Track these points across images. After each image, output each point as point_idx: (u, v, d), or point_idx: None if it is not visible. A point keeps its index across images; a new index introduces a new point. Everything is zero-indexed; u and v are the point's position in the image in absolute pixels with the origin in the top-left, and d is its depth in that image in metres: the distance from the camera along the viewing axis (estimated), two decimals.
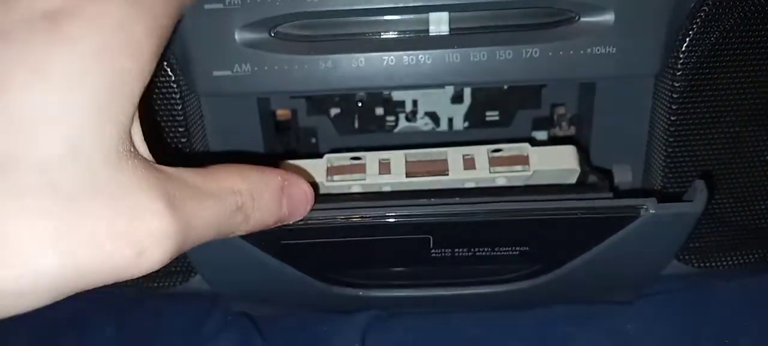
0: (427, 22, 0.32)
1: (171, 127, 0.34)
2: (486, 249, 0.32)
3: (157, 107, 0.34)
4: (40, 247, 0.18)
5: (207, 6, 0.31)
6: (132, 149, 0.20)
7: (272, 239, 0.29)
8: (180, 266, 0.38)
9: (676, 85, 0.33)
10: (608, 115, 0.34)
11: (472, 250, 0.32)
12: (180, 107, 0.34)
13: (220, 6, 0.32)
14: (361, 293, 0.36)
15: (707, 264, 0.38)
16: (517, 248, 0.32)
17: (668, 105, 0.34)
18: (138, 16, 0.20)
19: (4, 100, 0.18)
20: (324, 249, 0.31)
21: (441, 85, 0.33)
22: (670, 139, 0.34)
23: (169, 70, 0.33)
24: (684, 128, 0.34)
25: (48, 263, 0.18)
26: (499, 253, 0.32)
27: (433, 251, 0.32)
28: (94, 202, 0.18)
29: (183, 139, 0.34)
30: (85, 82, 0.18)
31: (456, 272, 0.34)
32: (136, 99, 0.20)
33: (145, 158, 0.21)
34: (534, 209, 0.29)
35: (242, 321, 0.39)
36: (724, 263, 0.38)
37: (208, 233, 0.22)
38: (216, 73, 0.32)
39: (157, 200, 0.20)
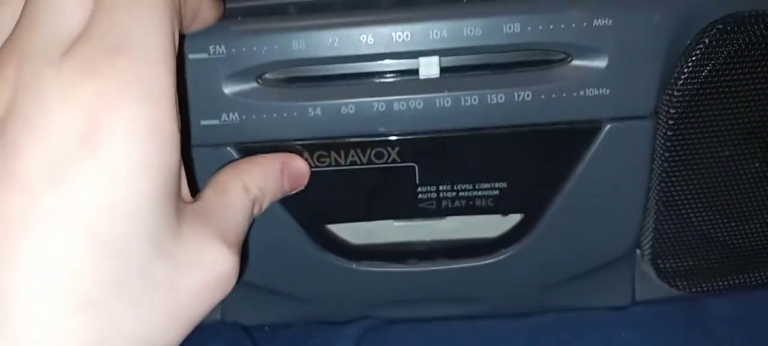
0: (417, 65, 0.32)
1: None
2: (467, 185, 0.34)
3: None
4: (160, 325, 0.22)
5: (192, 56, 0.31)
6: (182, 212, 0.23)
7: None
8: None
9: (671, 122, 0.33)
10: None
11: (456, 187, 0.34)
12: None
13: (205, 56, 0.31)
14: (353, 266, 0.37)
15: (698, 288, 0.38)
16: (496, 184, 0.34)
17: (663, 141, 0.33)
18: (157, 104, 0.21)
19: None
20: (321, 181, 0.33)
21: (433, 132, 0.32)
22: (666, 173, 0.34)
23: None
24: (678, 161, 0.34)
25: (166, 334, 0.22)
26: (480, 192, 0.34)
27: (419, 189, 0.34)
28: (174, 273, 0.22)
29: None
30: (138, 191, 0.20)
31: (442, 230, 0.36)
32: (177, 169, 0.22)
33: (192, 207, 0.24)
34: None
35: (234, 331, 0.40)
36: (717, 285, 0.38)
37: (243, 235, 0.26)
38: (204, 122, 0.32)
39: (215, 243, 0.23)
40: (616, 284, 0.38)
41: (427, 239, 0.36)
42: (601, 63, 0.31)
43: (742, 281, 0.38)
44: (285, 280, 0.37)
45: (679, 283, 0.38)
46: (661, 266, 0.38)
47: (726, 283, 0.38)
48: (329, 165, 0.33)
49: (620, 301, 0.39)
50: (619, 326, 0.38)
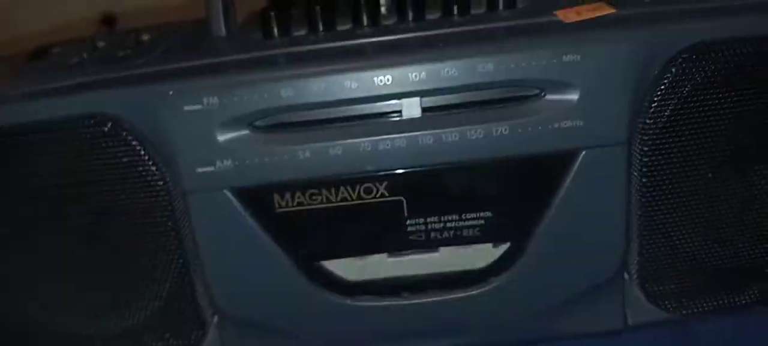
0: (400, 106, 0.34)
1: (160, 226, 0.35)
2: (454, 216, 0.35)
3: (146, 207, 0.35)
4: None
5: (187, 107, 0.33)
6: None
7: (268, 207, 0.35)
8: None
9: (645, 149, 0.34)
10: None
11: (442, 218, 0.35)
12: (167, 204, 0.35)
13: (199, 107, 0.33)
14: (348, 302, 0.37)
15: (688, 310, 0.39)
16: (481, 213, 0.35)
17: (639, 168, 0.35)
18: None
19: None
20: (313, 218, 0.35)
21: (417, 167, 0.34)
22: (645, 198, 0.36)
23: (155, 169, 0.34)
24: (656, 186, 0.35)
25: None
26: (466, 222, 0.35)
27: (408, 221, 0.35)
28: None
29: (173, 235, 0.36)
30: None
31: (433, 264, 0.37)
32: None
33: None
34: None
35: None
36: (706, 307, 0.39)
37: None
38: (199, 169, 0.34)
39: None
40: (607, 309, 0.39)
41: (419, 272, 0.38)
42: (573, 96, 0.33)
43: (729, 302, 0.39)
44: (281, 317, 0.38)
45: (668, 305, 0.39)
46: (649, 289, 0.38)
47: (714, 304, 0.39)
48: (321, 202, 0.35)
49: (612, 325, 0.39)
50: None
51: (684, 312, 0.39)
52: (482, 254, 0.37)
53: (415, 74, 0.33)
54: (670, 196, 0.36)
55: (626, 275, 0.39)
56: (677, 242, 0.37)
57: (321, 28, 0.37)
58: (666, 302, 0.39)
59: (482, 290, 0.37)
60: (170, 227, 0.36)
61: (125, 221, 0.36)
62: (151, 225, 0.36)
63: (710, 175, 0.36)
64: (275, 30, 0.37)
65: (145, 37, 0.39)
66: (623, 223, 0.36)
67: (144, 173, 0.34)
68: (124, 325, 0.39)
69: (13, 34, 0.71)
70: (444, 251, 0.37)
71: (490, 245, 0.37)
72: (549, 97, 0.33)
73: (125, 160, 0.34)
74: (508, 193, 0.35)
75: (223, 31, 0.38)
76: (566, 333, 0.39)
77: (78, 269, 0.38)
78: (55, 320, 0.40)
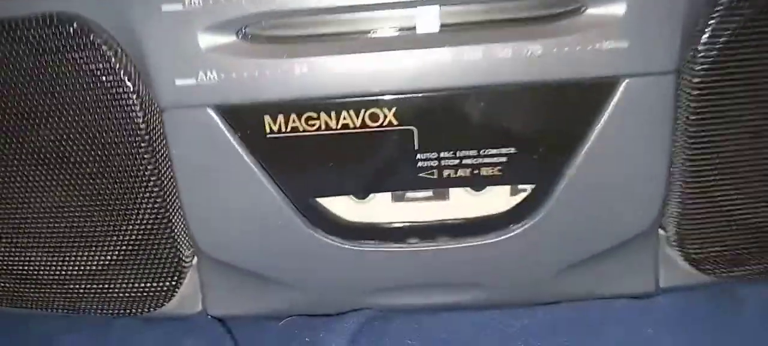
0: (414, 18, 0.29)
1: (133, 147, 0.31)
2: (471, 152, 0.30)
3: (117, 125, 0.30)
4: None
5: (165, 7, 0.28)
6: None
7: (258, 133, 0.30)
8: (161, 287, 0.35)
9: (696, 80, 0.30)
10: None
11: (457, 153, 0.30)
12: (142, 122, 0.30)
13: (180, 7, 0.28)
14: (347, 246, 0.33)
15: (728, 272, 0.35)
16: (503, 150, 0.30)
17: (687, 103, 0.30)
18: None
19: None
20: (310, 148, 0.30)
21: (432, 90, 0.29)
22: (690, 141, 0.31)
23: (127, 80, 0.29)
24: (704, 127, 0.31)
25: None
26: (485, 159, 0.31)
27: (418, 155, 0.30)
28: None
29: (147, 159, 0.31)
30: None
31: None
32: None
33: None
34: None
35: (213, 328, 0.36)
36: (750, 270, 0.35)
37: None
38: (179, 82, 0.29)
39: None
40: (638, 269, 0.35)
41: (429, 215, 0.33)
42: (618, 12, 0.28)
43: None
44: (270, 262, 0.34)
45: (707, 267, 0.35)
46: (688, 248, 0.34)
47: (759, 267, 0.35)
48: (319, 129, 0.30)
49: (643, 288, 0.35)
50: (643, 320, 0.34)
51: (724, 275, 0.35)
52: (497, 204, 0.32)
53: None
54: (717, 139, 0.31)
55: (661, 231, 0.34)
56: (720, 195, 0.33)
57: None
58: (705, 263, 0.34)
59: (500, 238, 0.33)
60: (144, 150, 0.31)
61: (92, 141, 0.31)
62: (122, 147, 0.31)
63: (760, 121, 0.32)
64: None
65: None
66: (665, 169, 0.31)
67: (114, 85, 0.29)
68: (91, 265, 0.35)
69: None
70: (455, 197, 0.33)
71: (507, 193, 0.33)
72: (590, 11, 0.28)
73: (92, 68, 0.29)
74: (536, 126, 0.30)
75: None
76: (590, 294, 0.35)
77: (39, 196, 0.33)
78: (15, 258, 0.35)
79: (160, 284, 0.35)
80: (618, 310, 0.34)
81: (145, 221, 0.33)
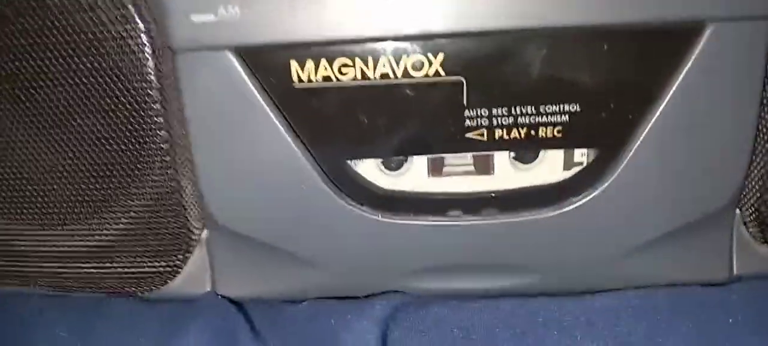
0: None
1: (141, 97, 0.27)
2: (528, 108, 0.26)
3: (123, 70, 0.26)
4: None
5: None
6: None
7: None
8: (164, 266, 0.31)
9: None
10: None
11: (512, 110, 0.26)
12: (152, 66, 0.26)
13: None
14: (380, 217, 0.29)
15: None
16: (566, 106, 0.26)
17: None
18: None
19: None
20: (343, 101, 0.26)
21: (486, 32, 0.25)
22: None
23: (136, 17, 0.26)
24: None
25: None
26: (544, 117, 0.27)
27: (466, 112, 0.26)
28: None
29: (156, 110, 0.27)
30: None
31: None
32: None
33: None
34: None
35: (223, 309, 0.32)
36: None
37: None
38: (195, 18, 0.25)
39: None
40: (709, 253, 0.31)
41: (476, 185, 0.29)
42: None
43: None
44: (293, 235, 0.30)
45: None
46: None
47: None
48: (354, 79, 0.26)
49: (715, 275, 0.31)
50: (714, 312, 0.30)
51: None
52: (560, 164, 0.28)
53: None
54: None
55: (738, 211, 0.30)
56: None
57: None
58: None
59: (556, 213, 0.29)
60: (153, 101, 0.27)
61: (94, 90, 0.27)
62: (128, 97, 0.27)
63: None
64: None
65: None
66: (751, 133, 0.27)
67: (121, 21, 0.26)
68: (89, 238, 0.31)
69: None
70: (500, 170, 0.29)
71: (560, 167, 0.29)
72: None
73: (96, 2, 0.25)
74: (606, 79, 0.26)
75: None
76: (656, 281, 0.31)
77: (31, 157, 0.29)
78: (10, 230, 0.31)
79: (166, 263, 0.31)
80: (687, 299, 0.30)
81: (152, 186, 0.29)
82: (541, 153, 0.29)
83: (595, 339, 0.29)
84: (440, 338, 0.30)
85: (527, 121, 0.27)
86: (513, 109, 0.27)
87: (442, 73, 0.26)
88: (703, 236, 0.30)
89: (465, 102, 0.27)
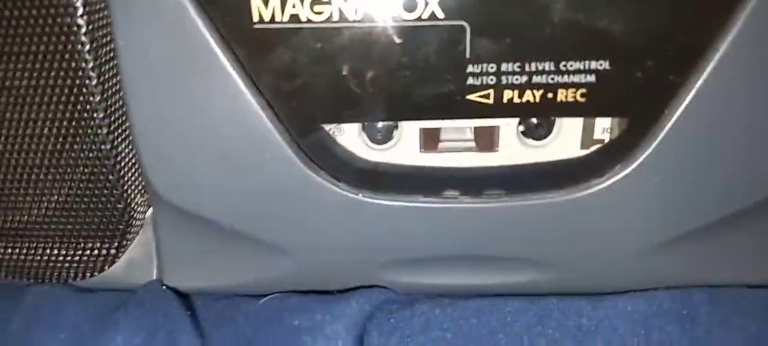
0: None
1: (66, 38, 0.22)
2: (546, 64, 0.22)
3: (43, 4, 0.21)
4: None
5: None
6: None
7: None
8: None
9: None
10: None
11: (525, 66, 0.22)
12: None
13: None
14: (359, 196, 0.24)
15: None
16: (593, 64, 0.22)
17: None
18: None
19: None
20: (315, 48, 0.21)
21: None
22: None
23: None
24: None
25: None
26: (564, 76, 0.22)
27: (469, 66, 0.22)
28: None
29: (84, 56, 0.22)
30: None
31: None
32: None
33: None
34: None
35: (163, 301, 0.27)
36: None
37: None
38: None
39: None
40: (754, 250, 0.26)
41: (476, 160, 0.24)
42: None
43: None
44: (251, 214, 0.25)
45: None
46: None
47: None
48: (329, 20, 0.21)
49: (760, 277, 0.26)
50: (761, 318, 0.25)
51: None
52: (579, 137, 0.24)
53: None
54: None
55: None
56: None
57: None
58: None
59: (573, 196, 0.24)
60: (78, 39, 0.22)
61: (6, 28, 0.22)
62: (50, 38, 0.22)
63: None
64: None
65: None
66: None
67: None
68: (12, 218, 0.26)
69: None
70: (505, 148, 0.24)
71: (577, 146, 0.24)
72: None
73: None
74: (641, 32, 0.21)
75: None
76: (689, 280, 0.26)
77: None
78: None
79: (101, 242, 0.26)
80: (730, 303, 0.25)
81: (82, 157, 0.24)
82: (556, 128, 0.24)
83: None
84: (429, 344, 0.25)
85: (544, 81, 0.22)
86: (526, 65, 0.22)
87: (440, 15, 0.21)
88: (749, 230, 0.26)
89: (468, 54, 0.22)
